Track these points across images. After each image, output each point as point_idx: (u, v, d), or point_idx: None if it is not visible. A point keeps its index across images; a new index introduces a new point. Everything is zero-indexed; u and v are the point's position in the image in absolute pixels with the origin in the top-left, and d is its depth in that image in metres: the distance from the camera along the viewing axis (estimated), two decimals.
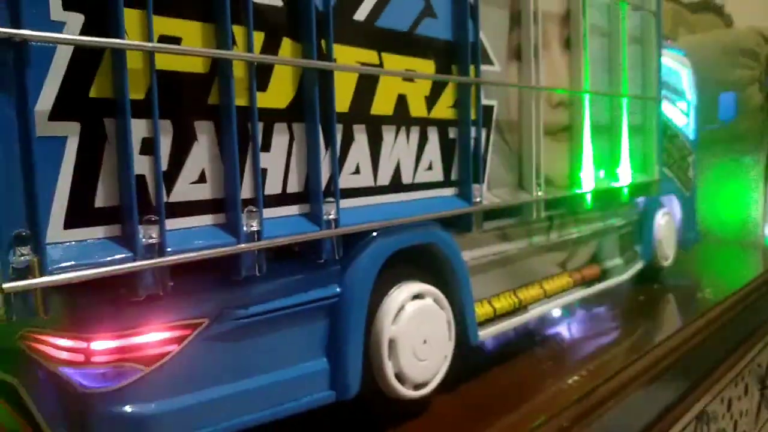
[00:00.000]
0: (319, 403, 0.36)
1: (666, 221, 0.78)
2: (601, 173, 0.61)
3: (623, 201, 0.64)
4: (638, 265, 0.71)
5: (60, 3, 0.26)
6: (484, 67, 0.47)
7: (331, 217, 0.35)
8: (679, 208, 0.82)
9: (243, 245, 0.31)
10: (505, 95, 0.49)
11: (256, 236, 0.32)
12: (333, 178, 0.36)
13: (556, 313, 0.63)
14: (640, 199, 0.73)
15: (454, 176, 0.45)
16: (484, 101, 0.47)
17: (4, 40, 0.24)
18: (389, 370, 0.39)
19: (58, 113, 0.26)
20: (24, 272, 0.25)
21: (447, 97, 0.44)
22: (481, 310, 0.48)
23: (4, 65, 0.24)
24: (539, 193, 0.51)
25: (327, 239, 0.35)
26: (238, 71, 0.31)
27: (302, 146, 0.35)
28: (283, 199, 0.34)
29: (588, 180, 0.57)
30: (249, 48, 0.31)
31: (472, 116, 0.45)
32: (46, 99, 0.26)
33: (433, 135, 0.43)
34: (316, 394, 0.36)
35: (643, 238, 0.74)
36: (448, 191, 0.45)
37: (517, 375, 0.49)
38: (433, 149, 0.43)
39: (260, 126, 0.33)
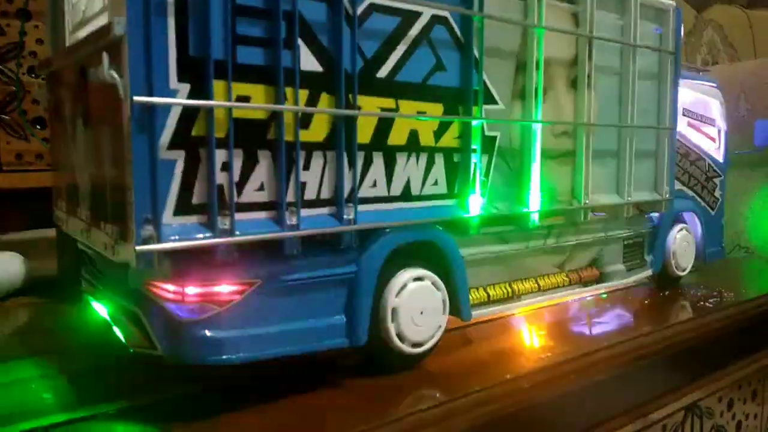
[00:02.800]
0: (337, 347, 0.51)
1: (682, 236, 0.87)
2: (602, 191, 0.72)
3: (624, 215, 0.75)
4: (646, 273, 0.82)
5: (176, 78, 0.42)
6: (488, 107, 0.60)
7: (350, 217, 0.51)
8: (700, 225, 0.91)
9: (286, 233, 0.47)
10: (508, 127, 0.63)
11: (295, 228, 0.47)
12: (354, 190, 0.51)
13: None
14: (655, 214, 0.83)
15: (457, 190, 0.59)
16: (488, 132, 0.61)
17: (144, 104, 0.41)
18: (392, 330, 0.53)
19: (172, 145, 0.42)
20: (148, 241, 0.41)
21: (453, 130, 0.58)
22: (476, 295, 0.61)
23: (143, 114, 0.41)
24: (535, 207, 0.64)
25: (346, 233, 0.51)
26: (288, 117, 0.47)
27: (333, 167, 0.50)
28: (317, 203, 0.50)
29: (586, 196, 0.69)
30: (296, 102, 0.47)
31: (473, 145, 0.59)
32: (165, 136, 0.42)
33: (439, 159, 0.57)
34: (336, 340, 0.51)
35: (655, 249, 0.84)
36: (451, 201, 0.59)
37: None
38: (439, 169, 0.57)
39: (303, 153, 0.48)
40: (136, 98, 0.40)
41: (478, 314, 0.61)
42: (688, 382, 0.76)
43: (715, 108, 0.92)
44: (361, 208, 0.52)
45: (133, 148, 0.41)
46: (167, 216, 0.43)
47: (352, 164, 0.51)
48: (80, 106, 0.52)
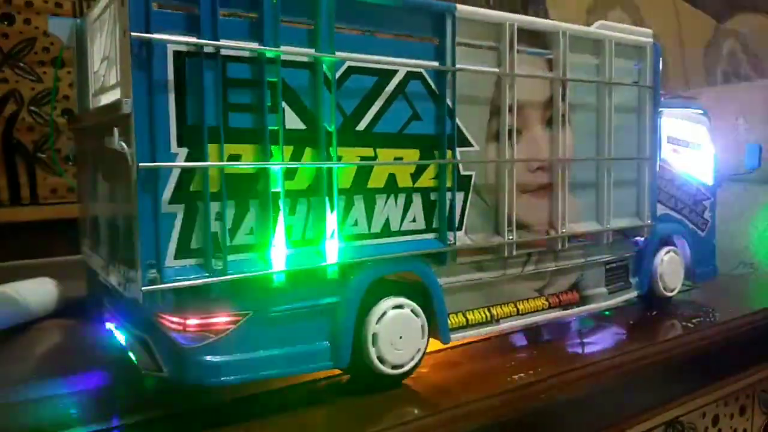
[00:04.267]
0: (322, 369, 0.58)
1: (670, 257, 0.91)
2: (581, 219, 0.78)
3: (604, 241, 0.80)
4: (631, 294, 0.87)
5: (176, 143, 0.50)
6: (463, 149, 0.67)
7: (332, 253, 0.57)
8: (688, 247, 0.95)
9: (273, 270, 0.54)
10: (483, 167, 0.69)
11: (282, 265, 0.55)
12: (335, 230, 0.58)
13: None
14: (639, 239, 0.88)
15: (435, 225, 0.65)
16: (464, 172, 0.67)
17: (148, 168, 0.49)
18: (372, 353, 0.60)
19: (172, 200, 0.50)
20: (152, 282, 0.49)
21: (429, 172, 0.64)
22: (455, 320, 0.68)
23: (148, 176, 0.49)
24: (510, 237, 0.70)
25: (329, 268, 0.57)
26: (275, 171, 0.54)
27: (317, 210, 0.57)
28: (302, 243, 0.57)
29: (564, 225, 0.75)
30: (281, 158, 0.54)
31: (448, 185, 0.65)
32: (167, 193, 0.50)
33: (417, 198, 0.64)
34: (321, 363, 0.58)
35: (641, 271, 0.88)
36: (429, 236, 0.65)
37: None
38: (417, 207, 0.64)
39: (288, 200, 0.55)
40: (141, 164, 0.48)
41: (457, 337, 0.67)
42: (668, 399, 0.80)
43: (702, 133, 0.97)
44: (342, 245, 0.59)
45: (138, 205, 0.48)
46: (169, 259, 0.50)
47: (333, 207, 0.58)
48: (100, 162, 0.60)
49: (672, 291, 0.92)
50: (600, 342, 0.79)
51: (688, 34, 2.13)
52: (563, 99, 0.74)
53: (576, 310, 0.79)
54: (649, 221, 0.85)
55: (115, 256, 0.58)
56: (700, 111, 0.97)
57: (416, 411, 0.58)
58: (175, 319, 0.53)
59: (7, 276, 0.90)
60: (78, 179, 0.76)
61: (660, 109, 0.90)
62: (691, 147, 0.95)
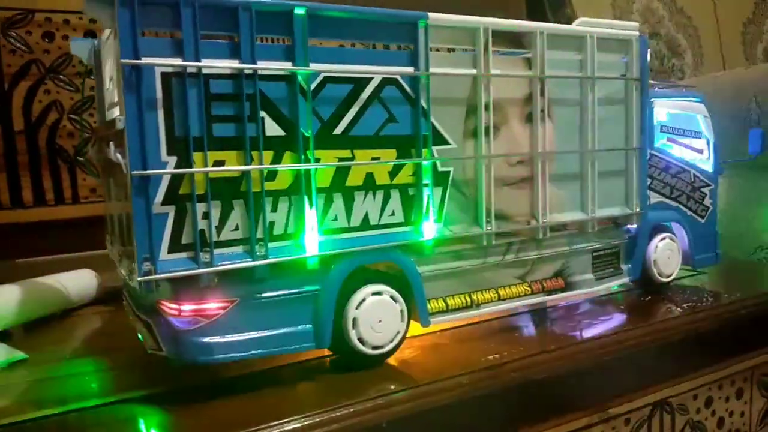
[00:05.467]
0: (305, 349, 0.65)
1: (665, 244, 0.94)
2: (565, 209, 0.82)
3: (590, 229, 0.84)
4: (621, 280, 0.90)
5: (166, 153, 0.57)
6: (440, 147, 0.72)
7: (312, 246, 0.64)
8: (686, 234, 0.97)
9: (256, 262, 0.61)
10: (461, 163, 0.74)
11: (263, 257, 0.62)
12: (315, 225, 0.64)
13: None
14: (632, 226, 0.91)
15: (413, 218, 0.71)
16: (442, 169, 0.72)
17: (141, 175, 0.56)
18: (353, 336, 0.66)
19: (164, 202, 0.58)
20: (147, 273, 0.57)
21: (407, 170, 0.70)
22: (435, 305, 0.73)
23: (141, 182, 0.56)
24: (489, 228, 0.75)
25: (309, 260, 0.64)
26: (256, 173, 0.61)
27: (296, 208, 0.64)
28: (284, 237, 0.63)
29: (545, 215, 0.79)
30: (261, 162, 0.61)
31: (425, 181, 0.70)
32: (159, 196, 0.57)
33: (395, 194, 0.70)
34: (304, 344, 0.65)
35: (633, 258, 0.91)
36: (407, 228, 0.71)
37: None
38: (395, 202, 0.70)
39: (270, 199, 0.62)
40: (134, 172, 0.56)
41: (437, 321, 0.73)
42: (656, 381, 0.84)
43: (699, 121, 0.98)
44: (322, 238, 0.65)
45: (133, 207, 0.56)
46: (163, 253, 0.58)
47: (312, 205, 0.64)
48: (110, 168, 0.69)
49: (668, 277, 0.95)
50: (586, 325, 0.83)
51: (724, 11, 2.08)
52: (542, 95, 0.78)
53: (560, 295, 0.83)
54: (638, 209, 0.88)
55: (123, 250, 0.66)
56: (697, 98, 0.98)
57: (392, 386, 0.64)
58: (172, 305, 0.61)
59: (53, 268, 1.01)
60: (102, 182, 0.85)
61: (652, 99, 0.92)
62: (687, 135, 0.97)
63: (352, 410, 0.60)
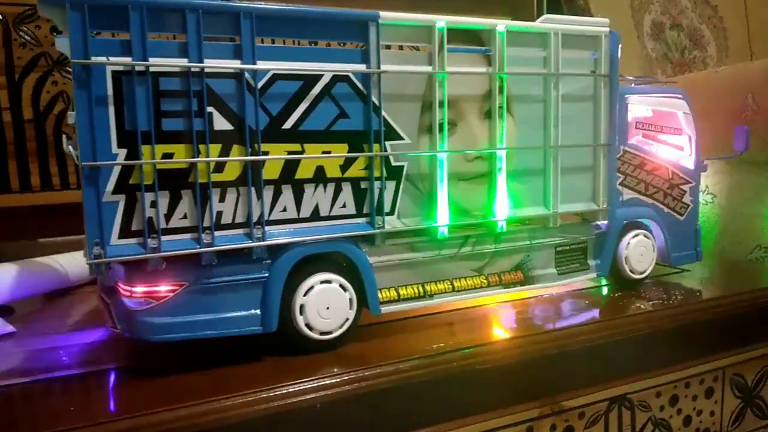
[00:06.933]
0: (253, 332, 0.69)
1: (637, 241, 0.94)
2: (525, 204, 0.83)
3: (551, 225, 0.85)
4: (587, 276, 0.91)
5: (116, 145, 0.62)
6: (394, 142, 0.74)
7: (259, 235, 0.68)
8: (661, 231, 0.97)
9: (201, 249, 0.65)
10: (416, 158, 0.76)
11: (210, 245, 0.66)
12: (262, 215, 0.68)
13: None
14: (602, 222, 0.91)
15: (365, 210, 0.74)
16: (396, 163, 0.75)
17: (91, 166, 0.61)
18: (300, 321, 0.70)
19: (115, 191, 0.62)
20: (98, 257, 0.62)
21: (359, 163, 0.73)
22: (387, 294, 0.76)
23: (92, 173, 0.61)
24: (442, 221, 0.77)
25: (256, 248, 0.68)
26: (203, 165, 0.65)
27: (245, 198, 0.68)
28: (232, 226, 0.67)
29: (502, 211, 0.81)
30: (207, 155, 0.65)
31: (377, 174, 0.73)
32: (110, 185, 0.62)
33: (347, 187, 0.73)
34: (252, 327, 0.69)
35: (602, 254, 0.92)
36: (359, 220, 0.74)
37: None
38: (347, 195, 0.73)
39: (218, 190, 0.66)
40: (83, 163, 0.60)
41: (388, 310, 0.76)
42: (614, 376, 0.84)
43: (680, 117, 0.97)
44: (271, 228, 0.69)
45: (84, 195, 0.61)
46: (113, 238, 0.63)
47: (260, 196, 0.68)
48: None
49: (640, 274, 0.95)
50: (544, 318, 0.84)
51: (754, 1, 2.02)
52: (501, 92, 0.80)
53: (519, 288, 0.85)
54: (605, 206, 0.89)
55: None
56: (678, 95, 0.98)
57: (335, 369, 0.67)
58: (126, 287, 0.65)
59: (57, 249, 1.08)
60: None
61: (627, 96, 0.92)
62: (665, 132, 0.96)
63: (291, 390, 0.64)
